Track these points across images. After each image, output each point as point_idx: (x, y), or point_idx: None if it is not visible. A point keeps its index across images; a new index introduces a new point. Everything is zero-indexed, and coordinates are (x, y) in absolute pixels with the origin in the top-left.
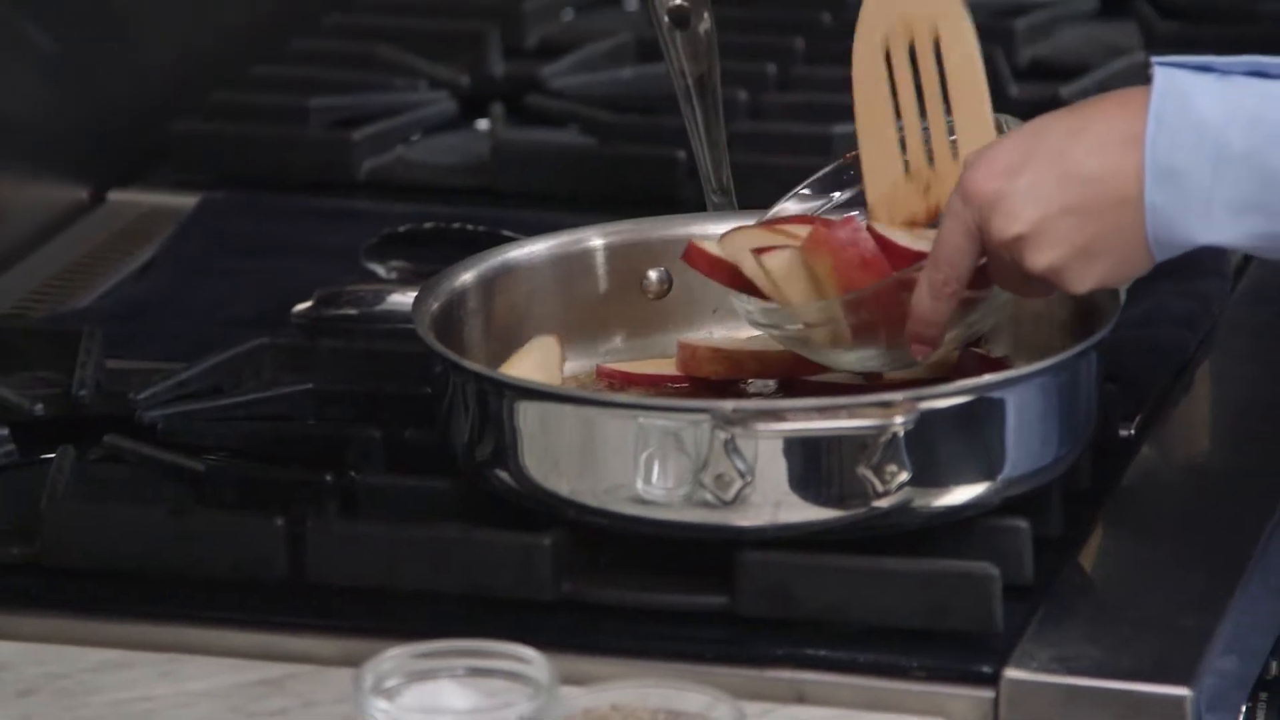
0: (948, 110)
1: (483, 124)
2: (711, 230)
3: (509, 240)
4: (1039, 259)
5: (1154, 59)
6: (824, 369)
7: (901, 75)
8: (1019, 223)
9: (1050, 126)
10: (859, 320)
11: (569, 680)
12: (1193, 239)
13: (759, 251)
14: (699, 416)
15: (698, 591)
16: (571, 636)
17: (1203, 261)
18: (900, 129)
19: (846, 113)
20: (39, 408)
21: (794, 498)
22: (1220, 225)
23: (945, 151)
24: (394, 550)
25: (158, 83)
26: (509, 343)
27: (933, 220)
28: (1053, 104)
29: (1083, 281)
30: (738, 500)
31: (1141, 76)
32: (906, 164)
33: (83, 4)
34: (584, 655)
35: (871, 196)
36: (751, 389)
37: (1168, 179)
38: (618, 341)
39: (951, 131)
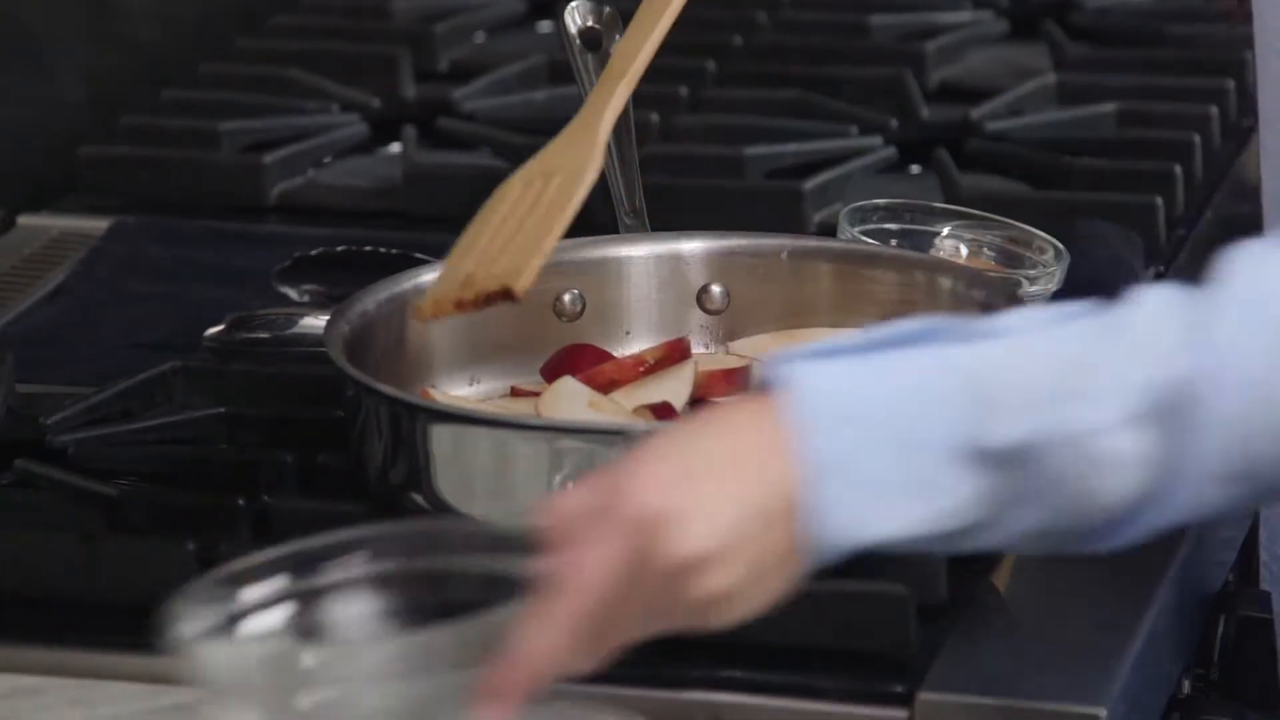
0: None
1: (395, 147)
2: (623, 252)
3: (421, 263)
4: (714, 582)
5: (763, 361)
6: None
7: (515, 207)
8: (695, 540)
9: (693, 437)
10: None
11: None
12: (863, 534)
13: None
14: (614, 438)
15: None
16: None
17: (1114, 284)
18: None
19: (759, 134)
20: None
21: None
22: (892, 510)
23: (491, 257)
24: None
25: (67, 106)
26: (421, 366)
27: (462, 306)
28: (963, 126)
29: (748, 605)
30: None
31: (1050, 100)
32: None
33: None
34: None
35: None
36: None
37: (831, 474)
38: (531, 364)
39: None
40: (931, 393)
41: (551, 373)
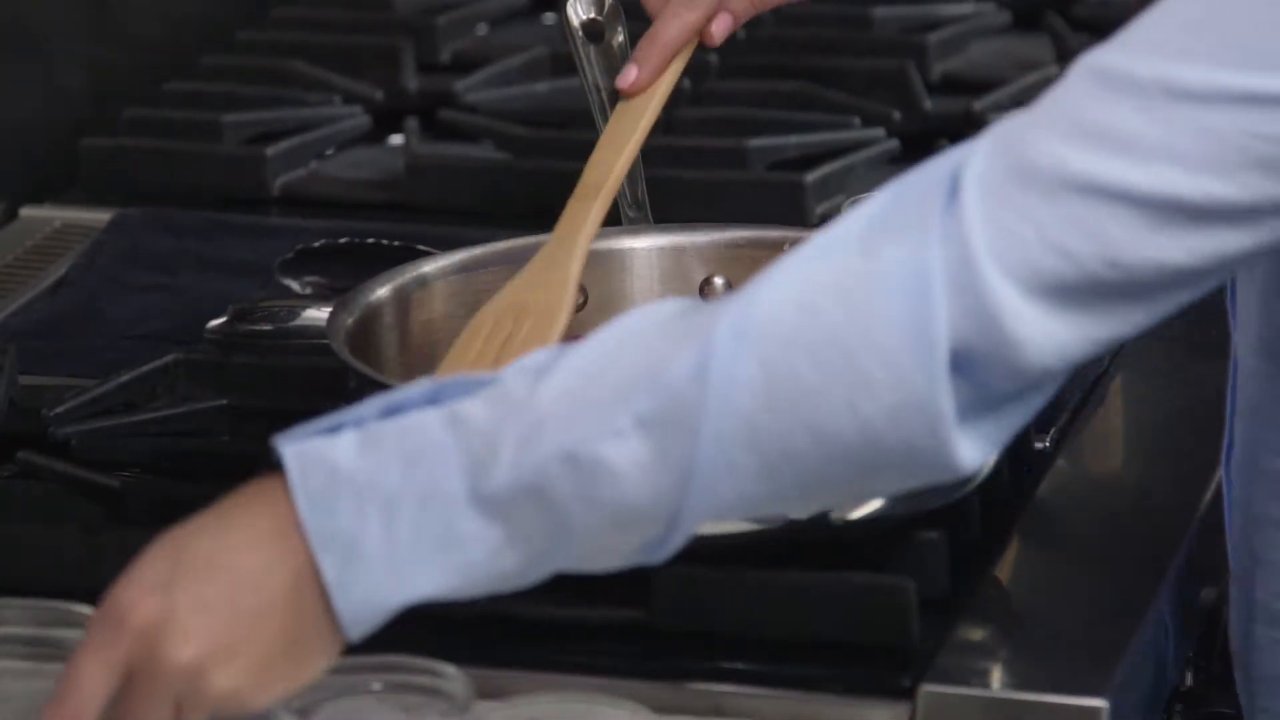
0: None
1: (397, 139)
2: (626, 244)
3: (424, 255)
4: (224, 678)
5: (277, 441)
6: None
7: (488, 346)
8: (195, 641)
9: (191, 535)
10: None
11: (485, 695)
12: (390, 600)
13: None
14: None
15: (614, 605)
16: (488, 651)
17: None
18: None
19: (761, 126)
20: None
21: None
22: (415, 571)
23: None
24: None
25: (70, 99)
26: (424, 357)
27: None
28: (966, 118)
29: (269, 689)
30: None
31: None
32: None
33: None
34: (500, 670)
35: None
36: None
37: (342, 549)
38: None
39: None
40: (433, 452)
41: None
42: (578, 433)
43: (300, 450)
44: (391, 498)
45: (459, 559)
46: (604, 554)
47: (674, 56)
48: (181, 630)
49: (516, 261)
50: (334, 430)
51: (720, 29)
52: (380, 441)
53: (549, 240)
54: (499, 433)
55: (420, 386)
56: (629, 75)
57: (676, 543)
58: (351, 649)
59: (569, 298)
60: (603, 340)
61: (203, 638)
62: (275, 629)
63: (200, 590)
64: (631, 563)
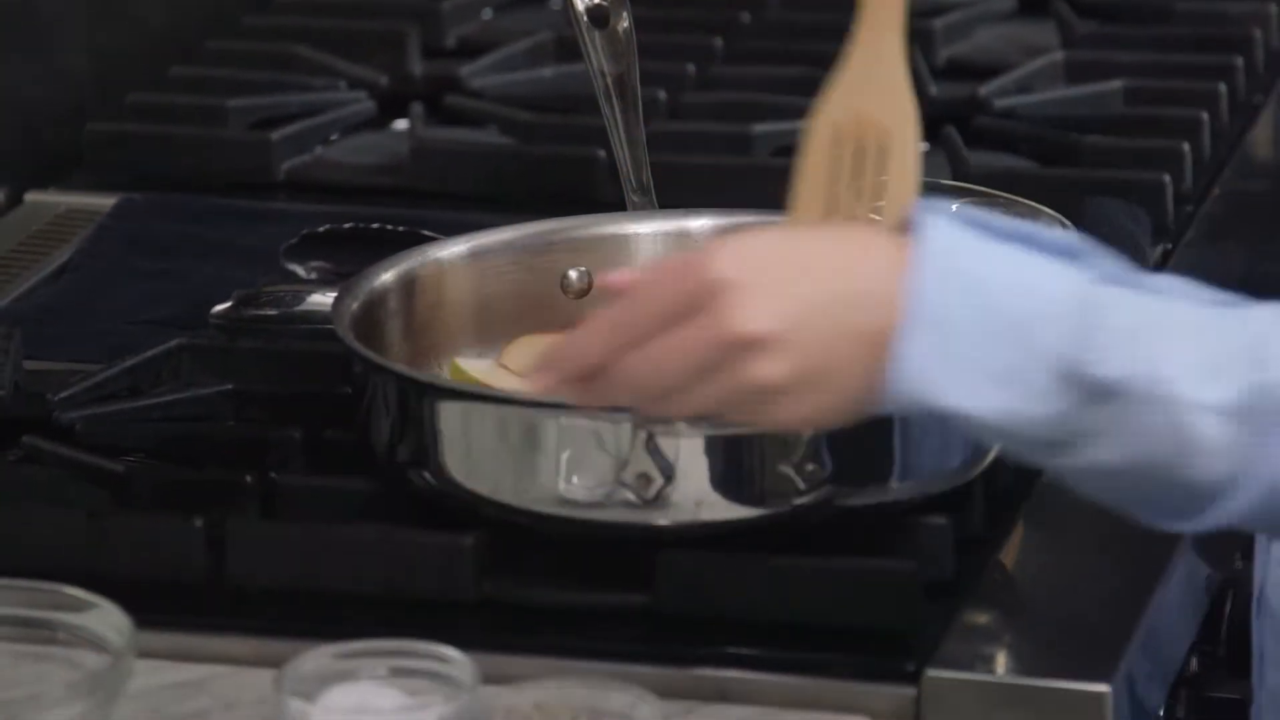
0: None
1: (402, 124)
2: (631, 229)
3: (429, 240)
4: (768, 369)
5: (923, 207)
6: None
7: (844, 170)
8: (760, 320)
9: (812, 235)
10: None
11: (491, 680)
12: (937, 399)
13: None
14: (619, 416)
15: (619, 590)
16: (493, 636)
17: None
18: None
19: (767, 111)
20: None
21: (715, 496)
22: (976, 392)
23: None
24: (314, 551)
25: (74, 83)
26: (429, 342)
27: None
28: (971, 104)
29: (791, 412)
30: (659, 499)
31: (1058, 77)
32: None
33: None
34: (506, 655)
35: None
36: None
37: (931, 329)
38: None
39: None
40: (1056, 303)
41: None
42: (1180, 383)
43: (943, 229)
44: (992, 317)
45: (1017, 405)
46: (1128, 495)
47: None
48: (752, 305)
49: (522, 246)
50: (984, 229)
51: None
52: (1018, 266)
53: (859, 40)
54: (1122, 327)
55: (1080, 243)
56: None
57: (1195, 524)
58: (356, 634)
59: (911, 102)
60: (1211, 307)
61: (766, 320)
62: (833, 348)
63: (784, 278)
64: (1139, 518)
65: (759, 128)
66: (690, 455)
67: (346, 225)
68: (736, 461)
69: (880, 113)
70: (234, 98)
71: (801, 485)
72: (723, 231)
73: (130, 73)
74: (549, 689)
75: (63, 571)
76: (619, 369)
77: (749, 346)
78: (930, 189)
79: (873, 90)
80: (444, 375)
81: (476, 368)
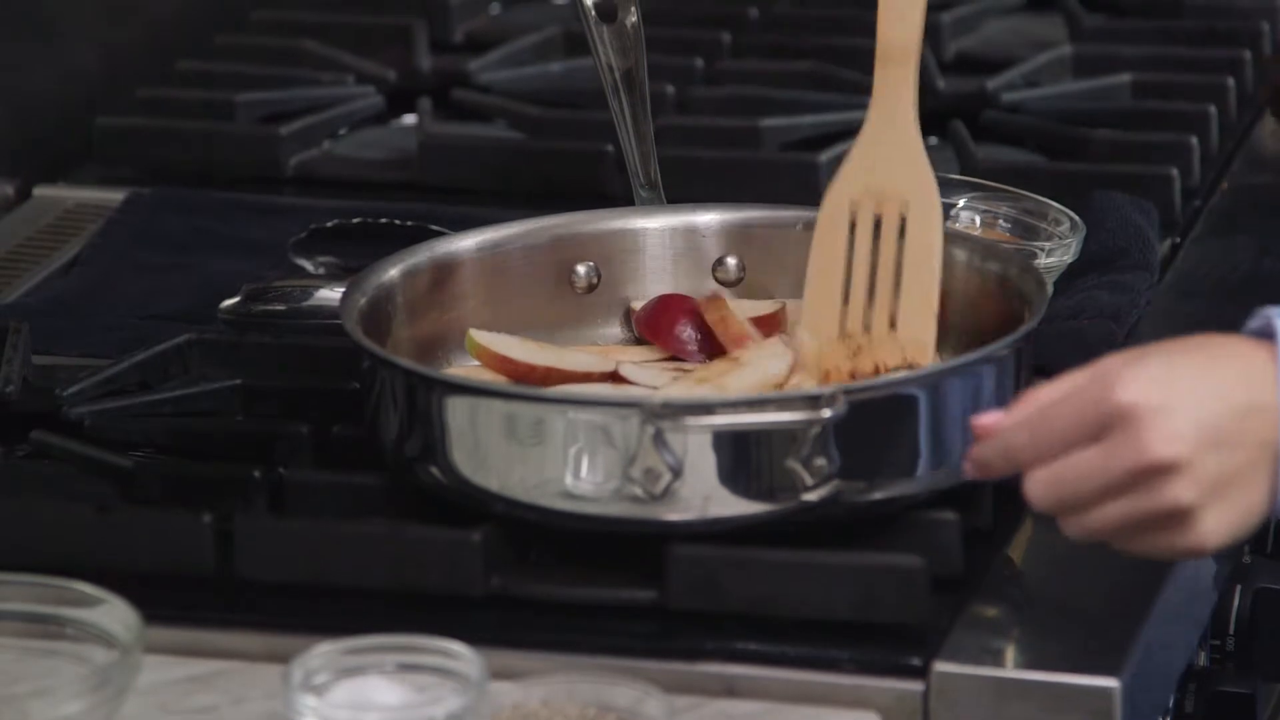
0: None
1: (410, 119)
2: (638, 224)
3: (437, 235)
4: (1181, 493)
5: (1271, 315)
6: None
7: (861, 243)
8: (1175, 445)
9: (1192, 354)
10: None
11: (499, 675)
12: None
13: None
14: (628, 411)
15: (627, 586)
16: (501, 631)
17: (1130, 254)
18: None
19: (774, 106)
20: None
21: (723, 491)
22: None
23: (883, 323)
24: (323, 546)
25: (83, 78)
26: (436, 338)
27: (853, 381)
28: (979, 98)
29: (1215, 530)
30: (667, 494)
31: (1065, 71)
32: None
33: (5, 1)
34: (513, 650)
35: (804, 345)
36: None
37: None
38: (544, 335)
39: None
40: None
41: (647, 325)
42: None
43: None
44: None
45: None
46: None
47: None
48: (1174, 429)
49: (530, 242)
50: None
51: None
52: None
53: (870, 116)
54: None
55: None
56: None
57: None
58: (364, 630)
59: (931, 179)
60: None
61: (1185, 446)
62: (1234, 466)
63: (1195, 400)
64: None
65: (766, 122)
66: (698, 451)
67: (354, 220)
68: (745, 457)
69: (896, 183)
70: (242, 92)
71: (809, 481)
72: (1125, 362)
73: (139, 67)
74: (557, 684)
75: (71, 566)
76: (1030, 480)
77: (1166, 471)
78: (938, 184)
79: (887, 161)
80: (457, 361)
81: (492, 340)
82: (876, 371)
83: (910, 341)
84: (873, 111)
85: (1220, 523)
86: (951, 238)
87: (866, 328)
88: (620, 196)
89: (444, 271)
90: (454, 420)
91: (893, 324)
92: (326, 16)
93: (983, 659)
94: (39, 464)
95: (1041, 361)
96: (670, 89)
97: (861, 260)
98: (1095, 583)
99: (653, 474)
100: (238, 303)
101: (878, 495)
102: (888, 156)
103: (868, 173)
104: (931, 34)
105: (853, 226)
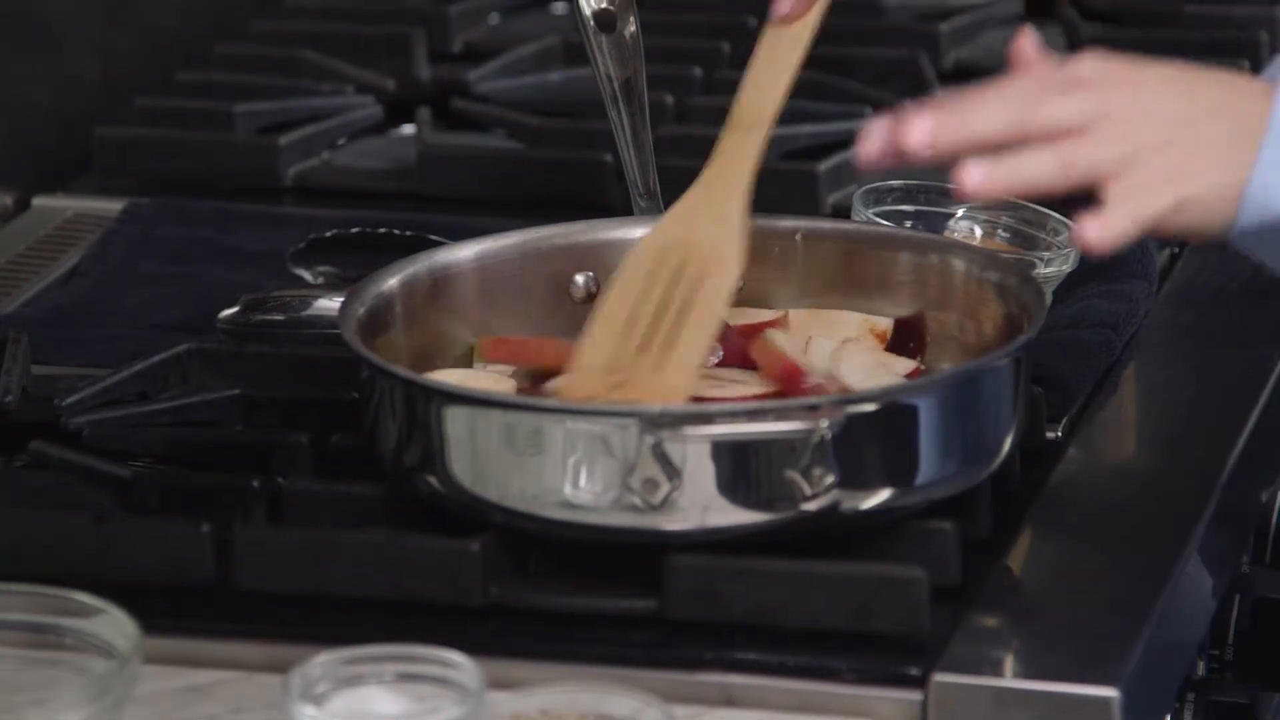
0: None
1: (409, 129)
2: (637, 234)
3: (436, 245)
4: (1107, 148)
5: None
6: None
7: (655, 288)
8: (1145, 129)
9: (1168, 63)
10: None
11: (497, 685)
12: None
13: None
14: (626, 420)
15: (626, 595)
16: (500, 641)
17: (1128, 264)
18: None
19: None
20: None
21: (722, 501)
22: None
23: (648, 363)
24: (322, 556)
25: (82, 88)
26: (436, 347)
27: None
28: None
29: (1158, 198)
30: (666, 504)
31: None
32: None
33: (4, 9)
34: (512, 660)
35: (569, 367)
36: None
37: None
38: None
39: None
40: None
41: None
42: None
43: None
44: None
45: None
46: None
47: None
48: (1139, 104)
49: (529, 251)
50: None
51: None
52: None
53: (705, 173)
54: None
55: None
56: (782, 4)
57: None
58: (363, 639)
59: (739, 239)
60: None
61: (1153, 123)
62: (1200, 158)
63: (1164, 83)
64: None
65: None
66: (697, 460)
67: (353, 230)
68: (743, 466)
69: (707, 245)
70: (241, 102)
71: (808, 490)
72: None
73: (138, 77)
74: (556, 694)
75: (70, 576)
76: (966, 111)
77: (1128, 154)
78: (938, 194)
79: (706, 223)
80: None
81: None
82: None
83: (669, 388)
84: (709, 171)
85: (1165, 196)
86: (951, 247)
87: (632, 366)
88: (619, 206)
89: (443, 281)
90: (453, 430)
91: (656, 368)
92: (325, 27)
93: (982, 669)
94: (38, 474)
95: (1040, 371)
96: (669, 99)
97: (651, 303)
98: (1094, 592)
99: (651, 484)
100: (236, 313)
101: (876, 505)
102: (708, 219)
103: (686, 226)
104: (930, 43)
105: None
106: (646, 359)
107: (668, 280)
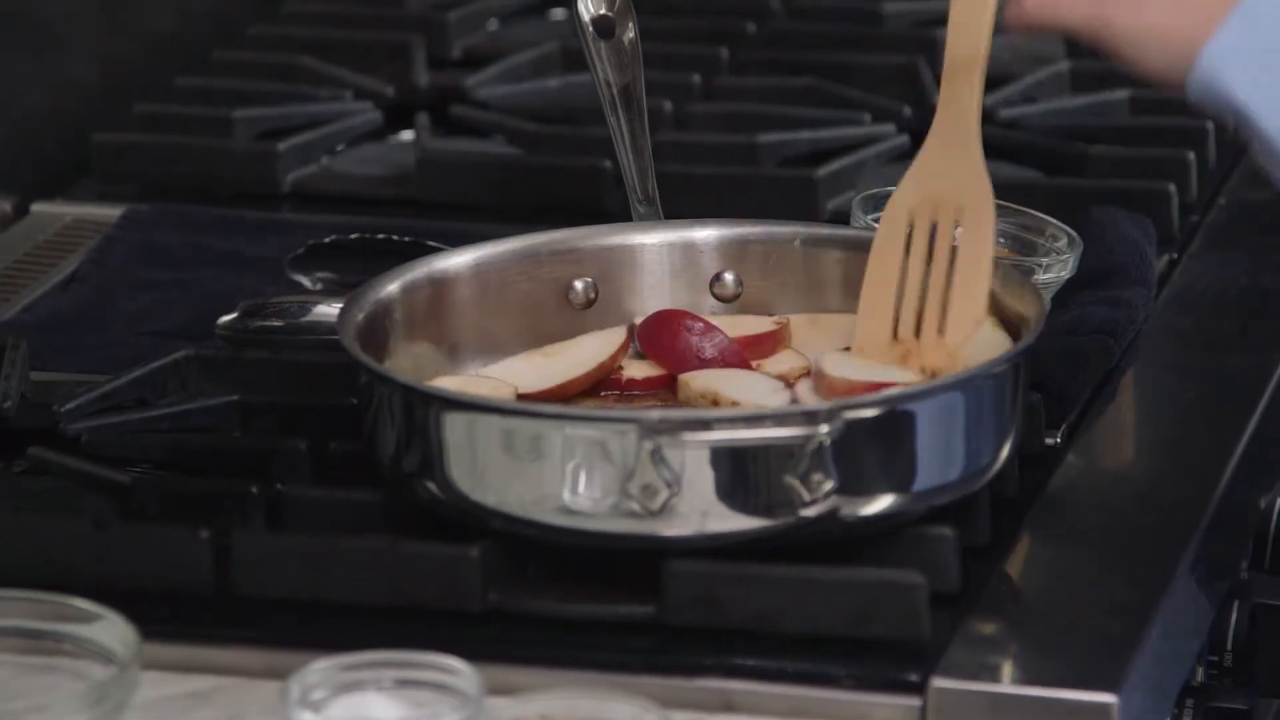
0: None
1: (408, 135)
2: (636, 240)
3: (434, 251)
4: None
5: None
6: None
7: (915, 251)
8: None
9: None
10: None
11: (496, 691)
12: (1228, 87)
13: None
14: (625, 426)
15: (625, 601)
16: (499, 647)
17: (1127, 270)
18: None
19: (772, 122)
20: None
21: (721, 507)
22: (1269, 89)
23: (932, 328)
24: (320, 562)
25: (81, 94)
26: (435, 353)
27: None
28: None
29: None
30: (665, 510)
31: (1063, 87)
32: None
33: (3, 15)
34: (512, 666)
35: (856, 351)
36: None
37: (1249, 29)
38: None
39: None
40: None
41: (646, 339)
42: None
43: None
44: None
45: None
46: None
47: None
48: None
49: (528, 257)
50: None
51: None
52: None
53: (934, 124)
54: None
55: None
56: None
57: None
58: (362, 645)
59: (988, 188)
60: None
61: None
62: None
63: None
64: None
65: (764, 138)
66: (696, 466)
67: (352, 236)
68: (742, 472)
69: (955, 193)
70: (240, 108)
71: (807, 496)
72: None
73: (137, 83)
74: (555, 700)
75: (69, 583)
76: None
77: None
78: None
79: (948, 171)
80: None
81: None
82: (924, 374)
83: (956, 347)
84: (937, 122)
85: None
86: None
87: (916, 333)
88: (618, 212)
89: (442, 287)
90: (451, 436)
91: (941, 330)
92: (324, 32)
93: (980, 675)
94: (37, 480)
95: (1039, 377)
96: (668, 105)
97: (916, 267)
98: (1093, 598)
99: (650, 489)
100: (235, 319)
101: (875, 511)
102: (949, 168)
103: (930, 181)
104: (928, 50)
105: (910, 235)
106: (929, 324)
107: (925, 239)
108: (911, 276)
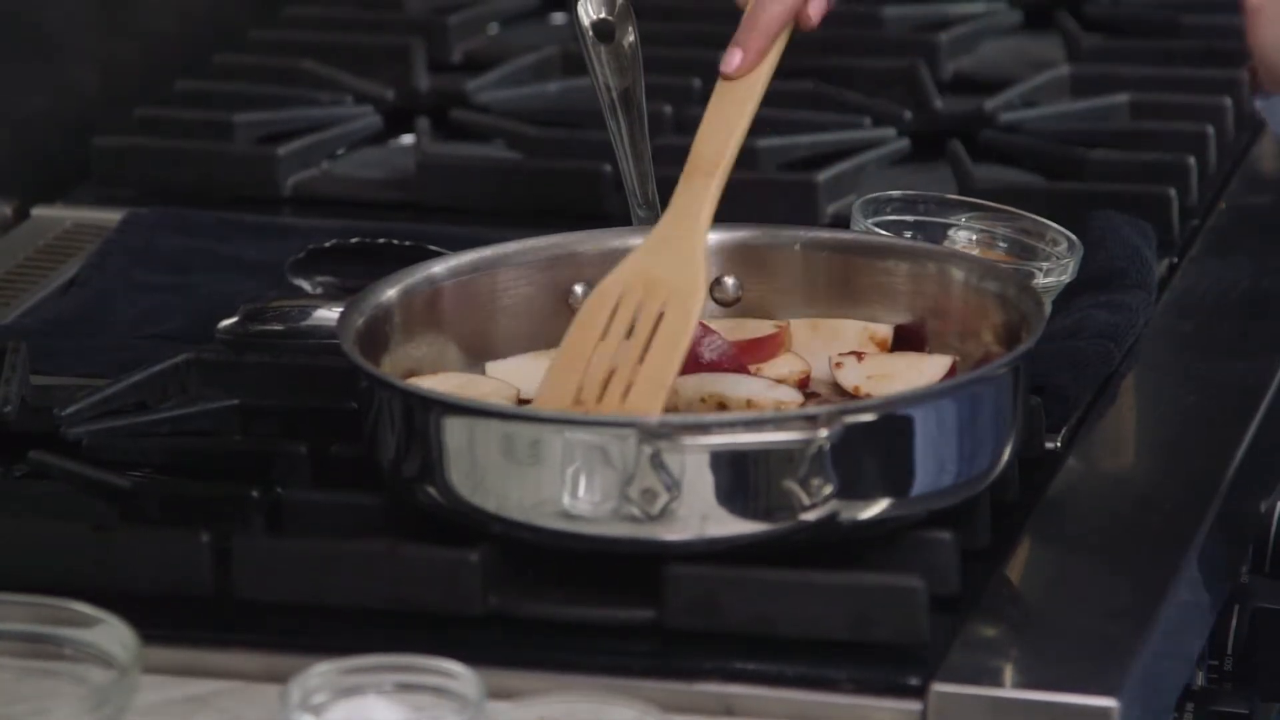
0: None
1: (408, 139)
2: (636, 244)
3: (434, 255)
4: None
5: None
6: None
7: (619, 323)
8: None
9: None
10: None
11: (497, 695)
12: None
13: None
14: (625, 430)
15: (625, 605)
16: (499, 651)
17: (1127, 274)
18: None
19: (773, 126)
20: None
21: (721, 511)
22: None
23: (616, 393)
24: (321, 566)
25: (81, 98)
26: (434, 358)
27: None
28: (977, 118)
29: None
30: (664, 514)
31: (1063, 91)
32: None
33: (3, 19)
34: (511, 669)
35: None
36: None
37: None
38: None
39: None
40: None
41: None
42: None
43: None
44: None
45: None
46: None
47: (775, 38)
48: None
49: (528, 261)
50: None
51: (817, 11)
52: None
53: (665, 216)
54: None
55: None
56: (732, 60)
57: None
58: (362, 649)
59: (702, 277)
60: None
61: None
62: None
63: None
64: None
65: (764, 142)
66: (696, 470)
67: (352, 240)
68: (742, 477)
69: (668, 279)
70: (240, 112)
71: (807, 500)
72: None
73: (137, 87)
74: (555, 704)
75: (69, 586)
76: None
77: None
78: (936, 204)
79: (667, 261)
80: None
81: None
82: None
83: (633, 405)
84: (665, 220)
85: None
86: (950, 257)
87: (598, 398)
88: (618, 216)
89: (441, 291)
90: (451, 440)
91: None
92: (325, 36)
93: (981, 679)
94: (37, 484)
95: (1039, 381)
96: (668, 109)
97: (614, 338)
98: (1093, 602)
99: (650, 494)
100: (235, 323)
101: (875, 515)
102: (668, 258)
103: (648, 267)
104: (929, 54)
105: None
106: (614, 388)
107: (630, 317)
108: (607, 347)
